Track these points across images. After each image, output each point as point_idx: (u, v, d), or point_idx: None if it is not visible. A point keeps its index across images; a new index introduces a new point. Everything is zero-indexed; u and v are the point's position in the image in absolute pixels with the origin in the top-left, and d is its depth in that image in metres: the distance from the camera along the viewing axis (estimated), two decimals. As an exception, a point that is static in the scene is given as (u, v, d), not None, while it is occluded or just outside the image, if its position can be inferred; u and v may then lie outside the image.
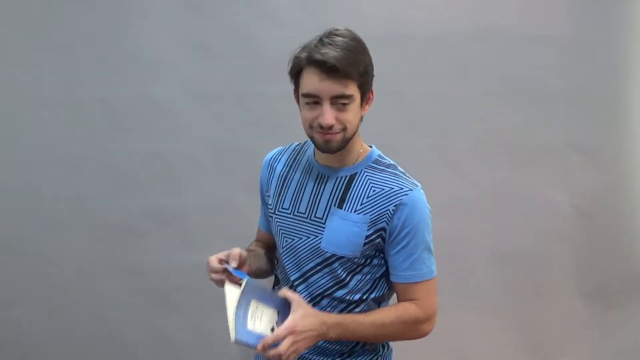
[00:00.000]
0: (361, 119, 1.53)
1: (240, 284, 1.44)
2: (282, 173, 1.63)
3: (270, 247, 1.72)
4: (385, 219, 1.48)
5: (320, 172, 1.56)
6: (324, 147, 1.47)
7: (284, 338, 1.33)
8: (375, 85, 2.38)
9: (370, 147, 1.62)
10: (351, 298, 1.53)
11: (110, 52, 2.23)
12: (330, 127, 1.44)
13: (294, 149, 1.68)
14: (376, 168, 1.56)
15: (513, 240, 2.33)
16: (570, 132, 2.31)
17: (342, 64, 1.40)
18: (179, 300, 2.31)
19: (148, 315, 2.30)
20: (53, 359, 2.31)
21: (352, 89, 1.44)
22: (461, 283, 2.33)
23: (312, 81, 1.42)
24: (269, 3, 2.23)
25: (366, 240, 1.49)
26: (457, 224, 2.32)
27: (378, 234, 1.49)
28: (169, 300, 2.31)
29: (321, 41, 1.44)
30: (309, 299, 1.53)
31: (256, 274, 1.62)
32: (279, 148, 1.72)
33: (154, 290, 2.30)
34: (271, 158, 1.69)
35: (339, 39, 1.44)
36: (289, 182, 1.61)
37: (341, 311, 1.53)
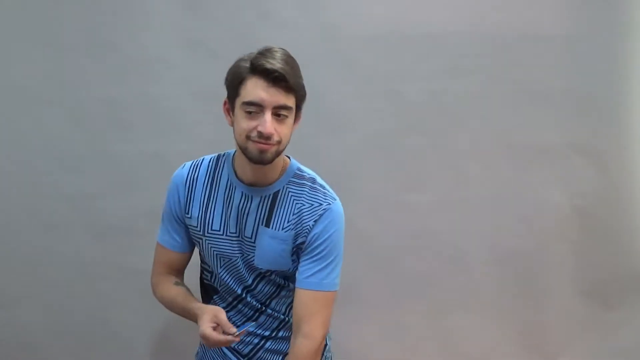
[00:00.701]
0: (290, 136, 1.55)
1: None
2: (203, 193, 1.62)
3: (179, 272, 1.74)
4: (305, 232, 1.56)
5: (243, 192, 1.58)
6: (258, 158, 1.48)
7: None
8: (376, 85, 2.39)
9: (289, 158, 1.64)
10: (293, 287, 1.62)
11: (110, 52, 2.23)
12: (269, 137, 1.45)
13: (208, 165, 1.65)
14: (297, 183, 1.61)
15: (513, 240, 2.33)
16: (570, 132, 2.31)
17: (289, 75, 1.44)
18: (179, 300, 2.31)
19: (148, 315, 2.30)
20: (53, 359, 2.31)
21: (292, 102, 1.49)
22: (461, 283, 2.33)
23: (256, 89, 1.44)
24: (269, 3, 2.23)
25: (292, 254, 1.58)
26: (457, 224, 2.32)
27: (298, 247, 1.58)
28: (169, 300, 2.31)
29: (261, 54, 1.48)
30: (258, 305, 1.65)
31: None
32: (188, 164, 1.70)
33: (154, 290, 2.30)
34: (187, 178, 1.66)
35: (278, 54, 1.48)
36: (214, 202, 1.61)
37: (290, 304, 1.65)
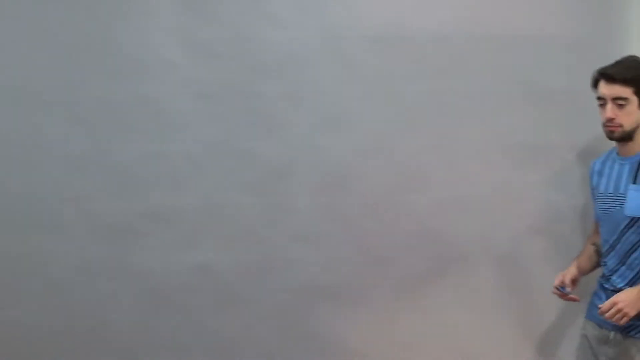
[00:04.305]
0: None
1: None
2: (597, 170, 2.11)
3: (599, 234, 2.11)
4: None
5: (621, 162, 2.01)
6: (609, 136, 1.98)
7: (609, 309, 1.83)
8: (376, 85, 2.39)
9: None
10: None
11: (110, 52, 2.23)
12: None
13: (605, 155, 2.12)
14: None
15: (513, 240, 2.33)
16: (570, 132, 2.31)
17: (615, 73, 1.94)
18: (179, 300, 2.31)
19: (148, 315, 2.30)
20: (53, 359, 2.31)
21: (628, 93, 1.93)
22: (461, 282, 2.33)
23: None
24: (269, 3, 2.23)
25: None
26: (457, 223, 2.32)
27: None
28: (169, 300, 2.31)
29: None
30: (622, 253, 1.97)
31: (593, 269, 2.15)
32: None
33: (154, 290, 2.30)
34: (592, 163, 2.16)
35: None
36: (601, 177, 2.08)
37: None
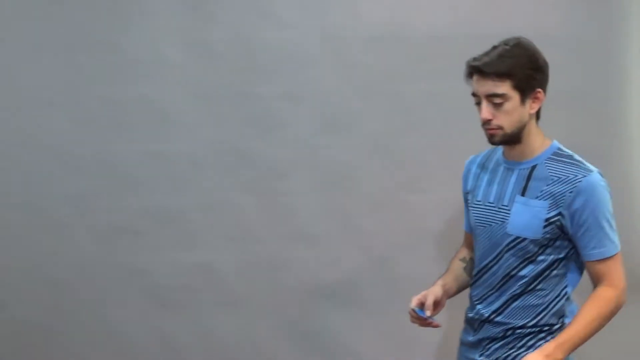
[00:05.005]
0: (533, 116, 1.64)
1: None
2: (475, 172, 1.77)
3: (471, 248, 1.81)
4: (563, 204, 1.56)
5: (507, 166, 1.67)
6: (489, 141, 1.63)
7: None
8: (376, 85, 2.39)
9: (552, 141, 1.69)
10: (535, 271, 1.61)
11: (110, 52, 2.23)
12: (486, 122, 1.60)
13: (487, 152, 1.79)
14: (555, 159, 1.62)
15: (513, 240, 2.33)
16: (570, 132, 2.31)
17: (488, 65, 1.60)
18: (179, 300, 2.31)
19: (148, 315, 2.30)
20: (53, 359, 2.31)
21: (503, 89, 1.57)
22: (461, 283, 2.33)
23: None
24: (269, 3, 2.23)
25: (546, 223, 1.56)
26: (457, 224, 2.31)
27: (557, 217, 1.56)
28: (169, 300, 2.31)
29: None
30: (497, 278, 1.64)
31: (460, 291, 1.79)
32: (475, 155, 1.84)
33: (154, 289, 2.30)
34: (468, 162, 1.83)
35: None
36: (480, 180, 1.74)
37: (526, 287, 1.61)
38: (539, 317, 1.62)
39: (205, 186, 2.28)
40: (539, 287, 1.61)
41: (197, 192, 2.28)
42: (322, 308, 2.31)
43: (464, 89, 2.28)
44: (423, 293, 1.70)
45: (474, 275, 1.72)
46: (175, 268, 2.30)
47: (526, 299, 1.61)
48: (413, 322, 1.71)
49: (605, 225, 1.58)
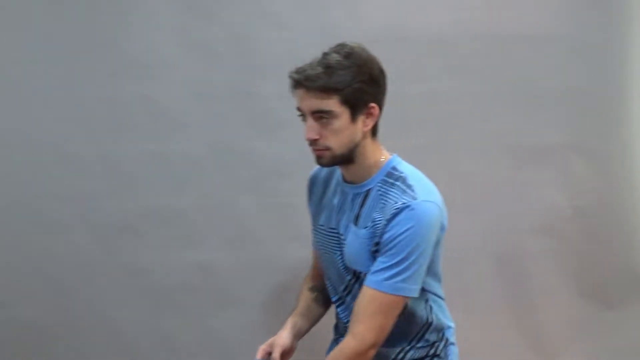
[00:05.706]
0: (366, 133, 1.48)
1: None
2: (318, 191, 1.62)
3: (320, 269, 1.69)
4: (379, 233, 1.41)
5: (343, 189, 1.52)
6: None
7: None
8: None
9: (390, 157, 1.53)
10: None
11: (110, 52, 2.23)
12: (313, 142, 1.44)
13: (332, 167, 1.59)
14: (387, 182, 1.47)
15: (513, 240, 2.33)
16: (570, 132, 2.31)
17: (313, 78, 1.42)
18: (179, 300, 2.31)
19: (148, 315, 2.30)
20: (53, 359, 2.31)
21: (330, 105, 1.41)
22: (461, 283, 2.33)
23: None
24: (269, 3, 2.23)
25: (372, 256, 1.43)
26: (457, 224, 2.31)
27: (376, 247, 1.43)
28: (169, 300, 2.31)
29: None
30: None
31: (313, 324, 1.66)
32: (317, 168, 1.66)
33: (154, 289, 2.30)
34: (310, 177, 1.67)
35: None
36: (324, 199, 1.59)
37: None
38: (417, 338, 1.52)
39: (205, 186, 2.28)
40: (404, 312, 1.46)
41: (197, 192, 2.28)
42: (322, 308, 2.31)
43: (464, 89, 2.30)
44: (269, 342, 1.55)
45: (334, 302, 1.59)
46: (176, 268, 2.29)
47: (397, 325, 1.45)
48: None
49: (403, 257, 1.37)
